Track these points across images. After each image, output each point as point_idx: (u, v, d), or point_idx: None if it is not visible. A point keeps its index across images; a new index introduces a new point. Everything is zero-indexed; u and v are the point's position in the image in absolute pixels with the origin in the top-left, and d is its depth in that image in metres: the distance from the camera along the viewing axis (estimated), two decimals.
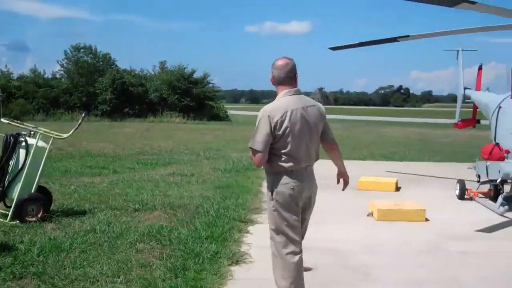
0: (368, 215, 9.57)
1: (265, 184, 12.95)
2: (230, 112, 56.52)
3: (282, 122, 4.73)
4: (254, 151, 4.83)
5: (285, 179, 4.84)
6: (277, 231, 4.92)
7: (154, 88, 48.87)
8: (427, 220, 9.29)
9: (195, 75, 51.09)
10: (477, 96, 14.78)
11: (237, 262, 6.62)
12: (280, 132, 4.74)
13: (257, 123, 4.81)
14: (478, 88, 15.19)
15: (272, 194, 4.88)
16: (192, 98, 48.74)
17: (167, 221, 8.38)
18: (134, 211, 9.02)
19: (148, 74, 53.08)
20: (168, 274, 5.91)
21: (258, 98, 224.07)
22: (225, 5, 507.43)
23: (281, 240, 4.92)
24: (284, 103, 4.83)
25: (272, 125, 4.72)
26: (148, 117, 45.76)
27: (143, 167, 15.09)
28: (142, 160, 16.78)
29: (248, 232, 8.19)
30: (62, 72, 52.00)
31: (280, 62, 4.94)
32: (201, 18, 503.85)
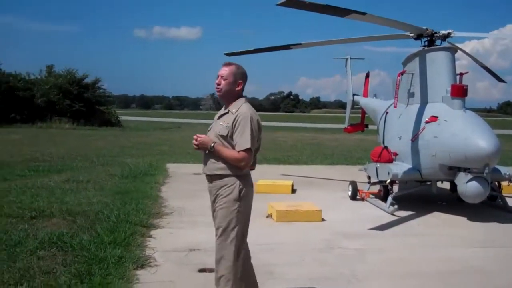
0: (267, 217, 9.84)
1: (164, 189, 12.90)
2: (122, 117, 55.50)
3: (260, 124, 4.98)
4: (249, 151, 4.81)
5: (250, 181, 4.99)
6: (238, 232, 4.86)
7: (41, 93, 46.94)
8: (323, 220, 9.70)
9: (85, 80, 49.80)
10: (365, 102, 15.58)
11: (142, 266, 6.63)
12: (258, 135, 4.94)
13: (242, 122, 4.81)
14: (365, 94, 16.02)
15: (240, 195, 4.82)
16: (84, 103, 47.41)
17: (67, 227, 8.20)
18: (31, 219, 8.74)
19: (35, 78, 50.90)
20: (73, 280, 5.85)
21: (149, 103, 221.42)
22: (112, 8, 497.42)
23: (238, 243, 4.87)
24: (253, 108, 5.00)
25: (258, 126, 4.90)
26: (35, 123, 43.91)
27: (35, 174, 14.54)
28: (33, 167, 16.12)
29: (151, 236, 8.19)
30: None
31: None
32: (87, 20, 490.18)
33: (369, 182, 12.59)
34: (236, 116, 4.83)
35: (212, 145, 4.82)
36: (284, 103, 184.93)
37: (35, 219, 8.76)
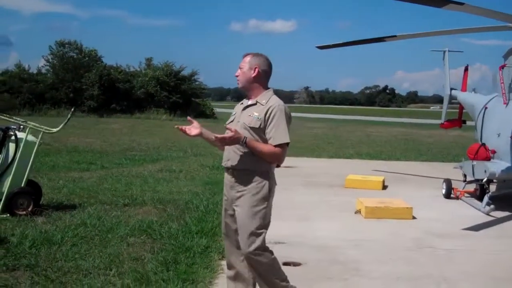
0: (355, 213, 9.68)
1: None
2: (217, 109, 56.49)
3: (291, 118, 4.64)
4: (286, 146, 4.52)
5: (274, 177, 4.71)
6: (265, 230, 4.60)
7: (140, 85, 48.71)
8: (414, 218, 9.40)
9: (182, 73, 51.24)
10: (463, 97, 14.93)
11: None
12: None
13: (277, 115, 4.48)
14: (464, 89, 15.34)
15: (269, 191, 4.61)
16: (180, 95, 48.83)
17: (157, 216, 8.44)
18: (124, 206, 9.09)
19: (135, 70, 52.87)
20: (159, 267, 5.97)
21: (244, 96, 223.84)
22: (209, 2, 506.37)
23: (264, 240, 4.57)
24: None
25: (290, 119, 4.58)
26: (134, 113, 45.70)
27: (131, 163, 15.12)
28: (130, 156, 16.79)
29: None
30: (47, 67, 51.47)
31: (270, 61, 4.72)
32: (184, 14, 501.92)
33: (464, 181, 12.09)
34: (268, 108, 4.50)
35: (244, 139, 4.43)
36: (380, 97, 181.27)
37: (127, 206, 9.11)
